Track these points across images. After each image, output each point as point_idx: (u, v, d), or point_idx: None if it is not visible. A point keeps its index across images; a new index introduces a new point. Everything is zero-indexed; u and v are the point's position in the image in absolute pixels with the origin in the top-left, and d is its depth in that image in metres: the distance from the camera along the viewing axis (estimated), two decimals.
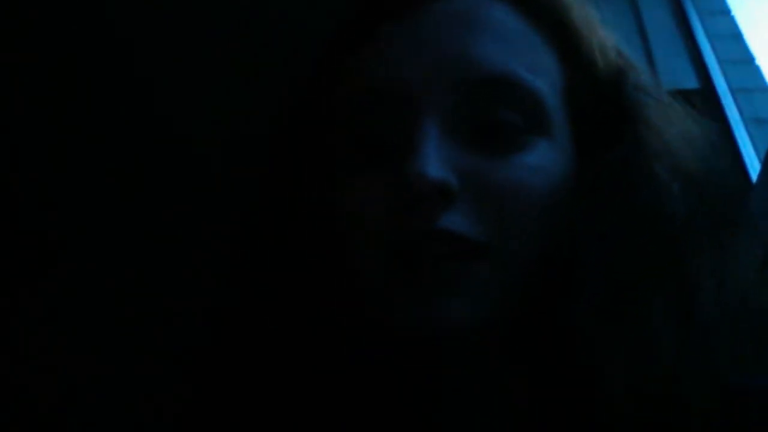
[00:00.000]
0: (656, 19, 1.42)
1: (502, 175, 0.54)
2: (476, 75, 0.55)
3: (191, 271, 0.80)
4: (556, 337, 0.55)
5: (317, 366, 0.60)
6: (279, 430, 0.60)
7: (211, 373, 0.65)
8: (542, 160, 0.55)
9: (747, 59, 1.39)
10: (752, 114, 1.25)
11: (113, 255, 0.96)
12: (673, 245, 0.55)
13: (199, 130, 0.98)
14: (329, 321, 0.60)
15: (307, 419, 0.59)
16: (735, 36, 1.43)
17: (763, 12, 1.44)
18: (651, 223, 0.55)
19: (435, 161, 0.52)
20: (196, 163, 0.96)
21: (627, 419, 0.51)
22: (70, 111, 0.98)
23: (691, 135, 0.60)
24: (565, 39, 0.60)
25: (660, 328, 0.53)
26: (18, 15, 0.98)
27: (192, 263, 0.83)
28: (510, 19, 0.59)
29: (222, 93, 0.99)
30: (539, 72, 0.57)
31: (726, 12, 1.50)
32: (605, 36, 0.63)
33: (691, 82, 1.33)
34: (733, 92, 1.29)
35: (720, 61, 1.35)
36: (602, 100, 0.61)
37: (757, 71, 1.36)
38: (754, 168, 1.13)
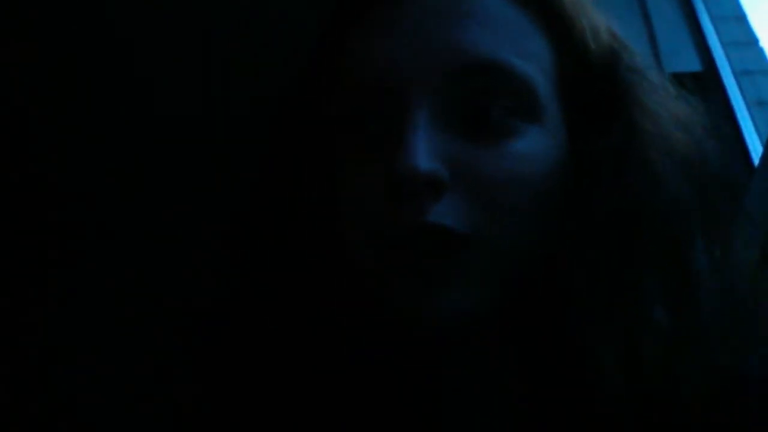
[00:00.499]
0: (659, 2, 1.41)
1: (493, 164, 0.54)
2: (465, 62, 0.55)
3: (191, 271, 0.80)
4: (553, 328, 0.55)
5: (317, 364, 0.60)
6: (280, 430, 0.61)
7: (212, 373, 0.66)
8: (533, 147, 0.55)
9: (751, 41, 1.38)
10: (755, 96, 1.24)
11: (113, 255, 0.96)
12: (668, 230, 0.55)
13: (199, 130, 0.98)
14: (329, 318, 0.60)
15: (308, 418, 0.60)
16: (738, 18, 1.42)
17: None
18: (645, 208, 0.55)
19: (424, 153, 0.52)
20: (196, 163, 0.96)
21: (623, 406, 0.51)
22: (70, 111, 0.98)
23: (684, 118, 0.60)
24: (555, 23, 0.60)
25: (653, 311, 0.53)
26: (18, 15, 0.98)
27: (192, 263, 0.83)
28: (498, 4, 0.58)
29: (222, 93, 0.99)
30: (529, 57, 0.57)
31: None
32: (597, 17, 0.63)
33: (694, 65, 1.32)
34: (736, 75, 1.28)
35: (723, 44, 1.34)
36: (595, 84, 0.60)
37: (760, 53, 1.35)
38: (756, 150, 1.13)
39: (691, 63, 1.32)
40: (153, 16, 0.99)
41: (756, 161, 1.08)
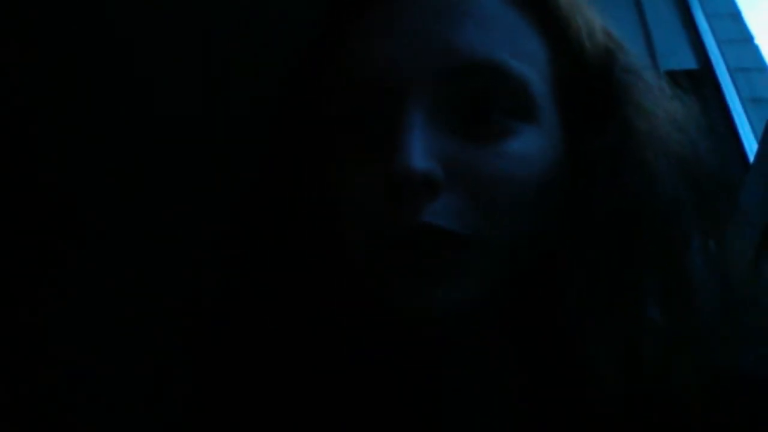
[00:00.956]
0: (654, 0, 1.42)
1: (489, 164, 0.54)
2: (461, 63, 0.55)
3: (191, 271, 0.80)
4: (551, 327, 0.55)
5: (317, 364, 0.60)
6: (280, 429, 0.61)
7: (211, 373, 0.66)
8: (530, 147, 0.55)
9: (745, 38, 1.39)
10: (750, 94, 1.25)
11: (113, 255, 0.96)
12: (664, 229, 0.55)
13: (199, 130, 0.98)
14: (329, 318, 0.60)
15: (308, 417, 0.60)
16: (733, 15, 1.43)
17: None
18: (641, 207, 0.55)
19: (419, 152, 0.52)
20: (196, 163, 0.96)
21: (621, 405, 0.51)
22: (70, 111, 0.98)
23: (680, 117, 0.60)
24: (550, 23, 0.60)
25: (649, 309, 0.54)
26: (18, 15, 0.98)
27: (192, 263, 0.83)
28: (494, 4, 0.58)
29: (222, 93, 0.99)
30: (524, 58, 0.57)
31: None
32: (593, 16, 0.63)
33: (689, 63, 1.32)
34: (732, 72, 1.29)
35: (718, 41, 1.35)
36: (591, 84, 0.60)
37: (755, 50, 1.36)
38: (751, 147, 1.13)
39: (686, 61, 1.33)
40: (153, 16, 0.99)
41: (751, 158, 1.09)
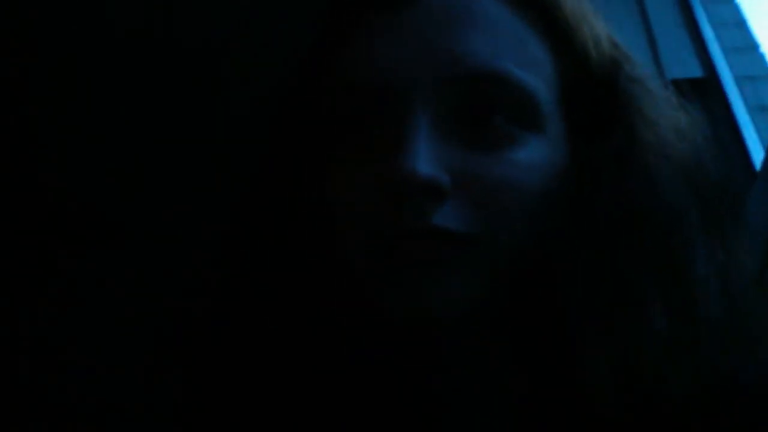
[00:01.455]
0: (659, 9, 1.41)
1: (494, 172, 0.54)
2: (466, 71, 0.55)
3: (190, 270, 0.80)
4: (551, 331, 0.55)
5: (316, 364, 0.60)
6: (278, 430, 0.60)
7: (210, 373, 0.65)
8: (534, 156, 0.55)
9: (751, 46, 1.38)
10: (757, 102, 1.25)
11: (113, 255, 0.96)
12: (666, 237, 0.55)
13: (199, 130, 0.98)
14: (327, 318, 0.60)
15: (307, 418, 0.59)
16: (739, 23, 1.42)
17: None
18: (644, 215, 0.55)
19: (425, 158, 0.52)
20: (196, 163, 0.96)
21: (619, 409, 0.51)
22: (70, 111, 0.98)
23: (685, 127, 0.60)
24: (556, 32, 0.59)
25: (652, 320, 0.53)
26: (18, 15, 0.98)
27: (191, 263, 0.83)
28: (499, 12, 0.58)
29: (221, 93, 0.99)
30: (530, 66, 0.57)
31: None
32: (599, 26, 0.62)
33: (695, 71, 1.32)
34: (738, 80, 1.29)
35: (724, 49, 1.35)
36: (596, 93, 0.60)
37: (761, 58, 1.36)
38: (758, 156, 1.13)
39: (692, 69, 1.33)
40: (152, 16, 0.98)
41: (758, 166, 1.08)
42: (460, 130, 0.55)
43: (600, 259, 0.54)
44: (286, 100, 0.67)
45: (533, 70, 0.56)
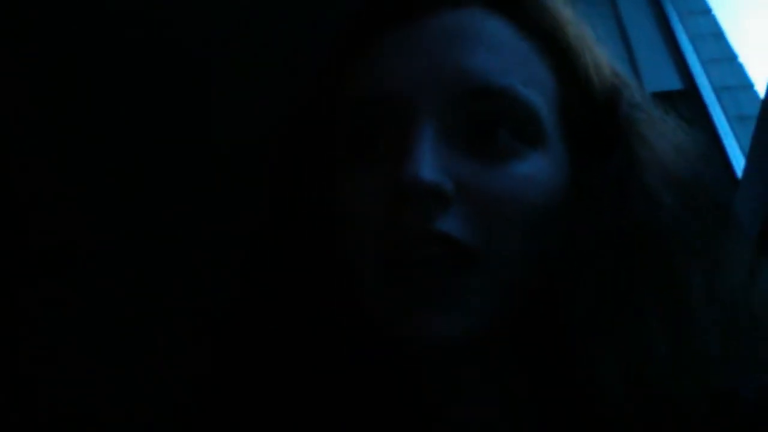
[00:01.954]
0: (637, 22, 1.43)
1: (496, 184, 0.55)
2: (472, 86, 0.56)
3: (191, 271, 0.80)
4: (553, 343, 0.55)
5: (318, 367, 0.60)
6: (280, 430, 0.61)
7: (212, 375, 0.66)
8: (535, 171, 0.56)
9: (729, 57, 1.39)
10: (736, 111, 1.25)
11: (114, 256, 0.95)
12: (664, 253, 0.56)
13: (199, 130, 0.98)
14: (329, 322, 0.60)
15: (308, 420, 0.60)
16: (716, 35, 1.44)
17: (744, 8, 1.44)
18: (643, 231, 0.56)
19: (429, 164, 0.53)
20: (196, 164, 0.96)
21: (625, 421, 0.51)
22: (70, 111, 0.98)
23: (681, 147, 0.61)
24: (560, 55, 0.61)
25: (652, 333, 0.53)
26: (18, 15, 0.98)
27: (193, 264, 0.83)
28: (505, 32, 0.59)
29: (222, 93, 0.99)
30: (534, 85, 0.58)
31: (707, 11, 1.50)
32: (601, 54, 0.64)
33: (674, 84, 1.33)
34: (717, 91, 1.29)
35: (702, 61, 1.36)
36: (597, 116, 0.61)
37: (739, 69, 1.36)
38: (739, 165, 1.13)
39: (671, 82, 1.34)
40: (153, 17, 0.98)
41: (739, 175, 1.08)
42: (464, 142, 0.56)
43: (599, 274, 0.55)
44: (297, 111, 0.68)
45: (536, 88, 0.58)
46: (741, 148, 1.18)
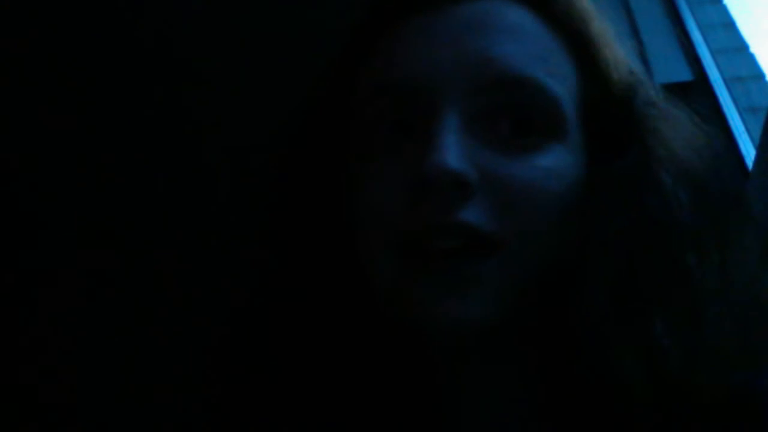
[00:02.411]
0: (647, 13, 1.41)
1: (519, 175, 0.55)
2: (497, 76, 0.56)
3: (206, 273, 0.80)
4: (569, 334, 0.55)
5: (332, 363, 0.61)
6: (295, 428, 0.61)
7: (227, 373, 0.66)
8: (557, 164, 0.56)
9: (740, 47, 1.38)
10: (747, 103, 1.24)
11: (119, 257, 0.96)
12: (679, 247, 0.56)
13: (207, 130, 0.98)
14: (345, 317, 0.61)
15: (323, 417, 0.60)
16: (727, 25, 1.43)
17: None
18: (657, 227, 0.56)
19: (454, 153, 0.53)
20: (210, 166, 0.96)
21: (642, 414, 0.52)
22: (70, 111, 0.98)
23: (695, 143, 0.61)
24: (582, 49, 0.61)
25: (666, 325, 0.53)
26: (18, 15, 0.98)
27: (208, 265, 0.83)
28: (530, 23, 0.60)
29: (232, 92, 0.99)
30: (557, 77, 0.58)
31: (717, 0, 1.49)
32: (619, 52, 0.64)
33: (684, 75, 1.32)
34: (727, 82, 1.28)
35: (713, 51, 1.35)
36: (614, 112, 0.62)
37: (750, 59, 1.36)
38: (750, 156, 1.12)
39: (681, 73, 1.32)
40: (155, 17, 0.98)
41: (750, 167, 1.08)
42: (487, 131, 0.56)
43: (616, 268, 0.55)
44: (311, 102, 0.68)
45: (559, 80, 0.58)
46: (752, 139, 1.16)
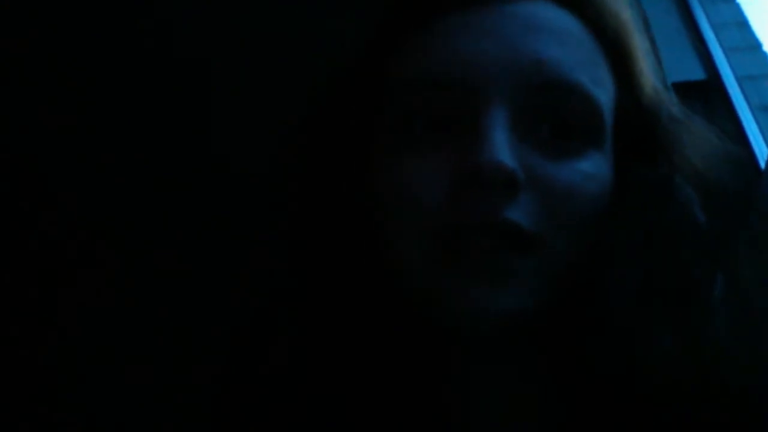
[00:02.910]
0: (658, 11, 1.40)
1: (563, 178, 0.56)
2: (547, 78, 0.57)
3: (208, 271, 0.80)
4: (592, 330, 0.56)
5: (355, 358, 0.61)
6: (316, 420, 0.61)
7: (249, 364, 0.66)
8: (596, 169, 0.58)
9: (753, 46, 1.37)
10: (760, 101, 1.23)
11: (131, 257, 0.96)
12: (701, 253, 0.57)
13: (208, 129, 0.98)
14: (359, 308, 0.61)
15: (342, 410, 0.60)
16: (740, 23, 1.42)
17: None
18: (680, 235, 0.57)
19: (507, 151, 0.53)
20: (207, 163, 0.96)
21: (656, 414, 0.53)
22: (70, 111, 0.98)
23: (717, 156, 0.63)
24: (623, 61, 0.63)
25: (688, 323, 0.54)
26: (18, 15, 0.98)
27: (209, 263, 0.82)
28: (576, 29, 0.61)
29: (232, 93, 0.98)
30: (600, 85, 0.59)
31: None
32: (651, 67, 0.66)
33: (697, 74, 1.31)
34: (740, 80, 1.27)
35: (725, 50, 1.33)
36: (643, 123, 0.63)
37: (763, 58, 1.35)
38: (763, 155, 1.12)
39: (693, 72, 1.31)
40: (156, 17, 0.98)
41: (762, 165, 1.06)
42: (532, 133, 0.57)
43: (640, 272, 0.56)
44: (335, 92, 0.68)
45: (601, 88, 0.60)
46: (765, 138, 1.15)
